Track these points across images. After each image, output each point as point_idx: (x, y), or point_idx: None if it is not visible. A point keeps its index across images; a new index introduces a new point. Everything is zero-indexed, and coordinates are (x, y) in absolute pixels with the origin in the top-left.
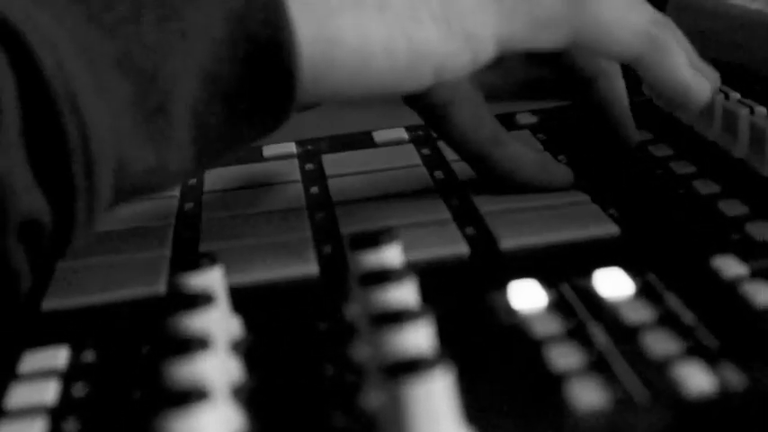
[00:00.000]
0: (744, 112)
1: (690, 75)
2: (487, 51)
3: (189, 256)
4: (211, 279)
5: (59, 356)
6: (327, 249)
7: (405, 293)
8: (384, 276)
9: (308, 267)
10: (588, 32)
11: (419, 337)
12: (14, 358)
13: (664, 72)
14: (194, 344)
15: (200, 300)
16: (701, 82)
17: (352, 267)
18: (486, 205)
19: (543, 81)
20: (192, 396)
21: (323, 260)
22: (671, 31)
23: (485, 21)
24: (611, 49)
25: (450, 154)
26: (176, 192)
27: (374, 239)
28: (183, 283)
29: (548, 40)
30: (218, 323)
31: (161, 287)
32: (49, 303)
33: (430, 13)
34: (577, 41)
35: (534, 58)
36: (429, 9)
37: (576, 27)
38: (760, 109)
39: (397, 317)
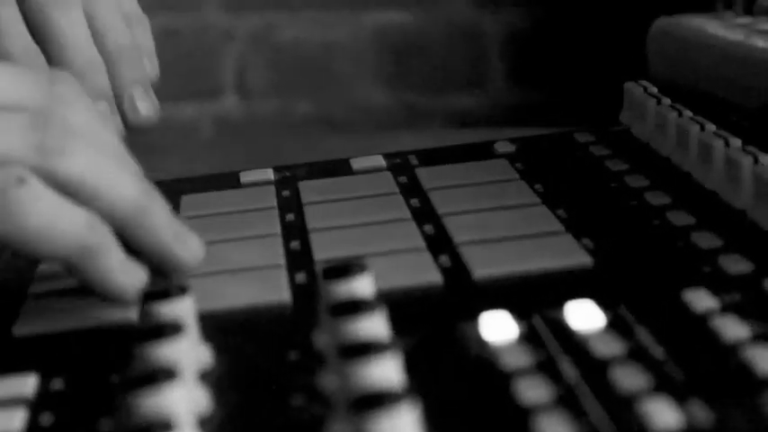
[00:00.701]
0: (718, 143)
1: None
2: None
3: (160, 286)
4: (181, 308)
5: (27, 384)
6: (301, 277)
7: (374, 325)
8: (354, 307)
9: (281, 295)
10: (15, 241)
11: (386, 371)
12: None
13: (95, 280)
14: (161, 374)
15: (169, 329)
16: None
17: (322, 297)
18: (461, 234)
19: (528, 107)
20: (156, 428)
21: (295, 288)
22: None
23: None
24: (43, 255)
25: (427, 182)
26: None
27: (345, 270)
28: (154, 312)
29: None
30: (187, 353)
31: (133, 314)
32: (21, 329)
33: None
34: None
35: (519, 82)
36: None
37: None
38: (735, 141)
39: (365, 349)
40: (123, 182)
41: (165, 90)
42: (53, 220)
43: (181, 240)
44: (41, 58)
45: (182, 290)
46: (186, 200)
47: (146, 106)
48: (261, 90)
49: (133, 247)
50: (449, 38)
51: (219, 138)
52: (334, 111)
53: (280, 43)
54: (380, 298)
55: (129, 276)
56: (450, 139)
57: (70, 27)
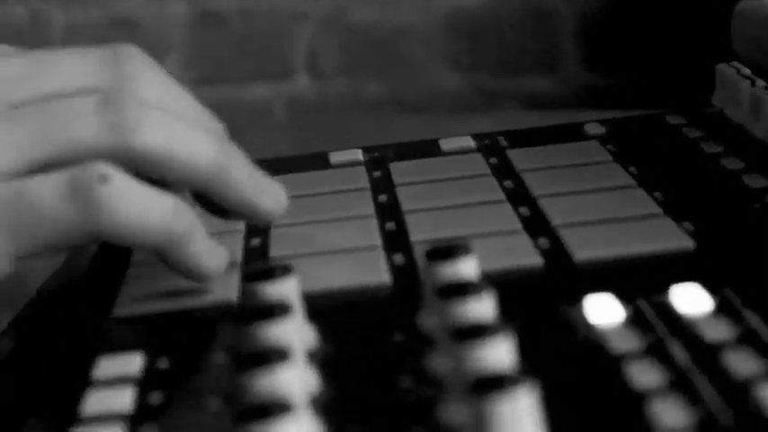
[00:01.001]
0: None
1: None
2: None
3: (263, 266)
4: (286, 289)
5: (134, 363)
6: (399, 258)
7: (484, 307)
8: (462, 289)
9: (380, 276)
10: (105, 236)
11: (502, 353)
12: (88, 364)
13: (182, 264)
14: (274, 355)
15: (278, 310)
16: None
17: (427, 279)
18: (558, 217)
19: (602, 89)
20: (274, 408)
21: (395, 269)
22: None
23: None
24: (133, 245)
25: (518, 163)
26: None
27: (450, 251)
28: (258, 292)
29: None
30: (296, 333)
31: (233, 294)
32: (121, 310)
33: None
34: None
35: (594, 65)
36: None
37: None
38: None
39: (479, 331)
40: (200, 145)
41: (237, 70)
42: (141, 213)
43: (264, 191)
44: None
45: (286, 269)
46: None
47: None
48: (332, 71)
49: (218, 204)
50: (521, 19)
51: (292, 119)
52: (405, 92)
53: (351, 24)
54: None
55: (215, 258)
56: (524, 122)
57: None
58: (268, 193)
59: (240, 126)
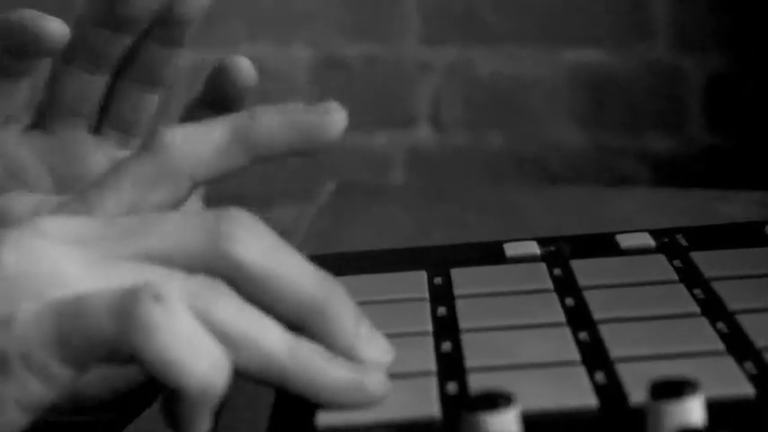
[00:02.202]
0: None
1: None
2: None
3: (483, 394)
4: (509, 421)
5: None
6: (600, 378)
7: None
8: None
9: (586, 399)
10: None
11: None
12: None
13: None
14: None
15: None
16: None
17: (652, 419)
18: (762, 338)
19: (725, 152)
20: None
21: (598, 390)
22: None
23: None
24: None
25: (706, 269)
26: (425, 293)
27: (678, 388)
28: (482, 423)
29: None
30: None
31: (434, 409)
32: (325, 418)
33: None
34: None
35: (718, 127)
36: None
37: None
38: None
39: None
40: (301, 272)
41: (359, 118)
42: (180, 348)
43: (368, 338)
44: None
45: (509, 400)
46: (456, 274)
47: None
48: (454, 122)
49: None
50: (646, 79)
51: (412, 169)
52: (525, 147)
53: (475, 77)
54: None
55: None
56: (657, 198)
57: None
58: (372, 342)
59: (363, 180)
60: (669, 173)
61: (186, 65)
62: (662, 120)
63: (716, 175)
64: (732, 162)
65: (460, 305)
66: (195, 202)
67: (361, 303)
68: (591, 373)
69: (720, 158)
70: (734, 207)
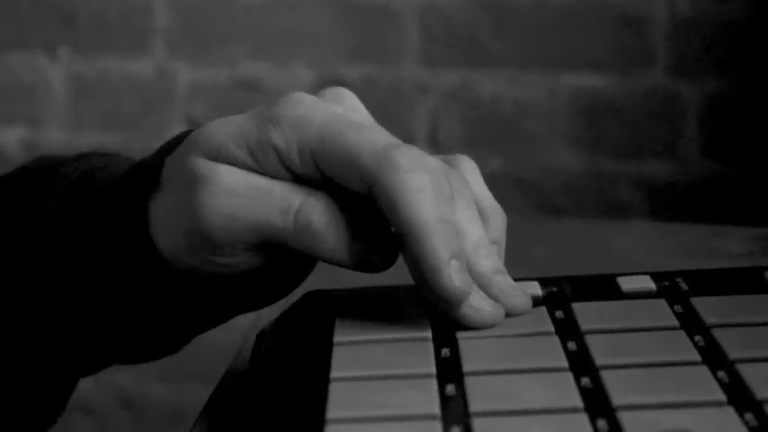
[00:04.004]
0: None
1: None
2: None
3: None
4: None
5: None
6: (602, 426)
7: None
8: None
9: None
10: None
11: None
12: None
13: None
14: None
15: None
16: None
17: None
18: (763, 389)
19: (722, 178)
20: None
21: None
22: None
23: None
24: None
25: (707, 316)
26: (428, 333)
27: None
28: None
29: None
30: None
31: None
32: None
33: None
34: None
35: (715, 152)
36: None
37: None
38: None
39: None
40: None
41: None
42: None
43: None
44: (453, 228)
45: None
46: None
47: (515, 293)
48: (452, 144)
49: None
50: (644, 104)
51: None
52: (523, 170)
53: (474, 99)
54: None
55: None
56: (655, 233)
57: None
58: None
59: None
60: (666, 198)
61: (186, 82)
62: (660, 145)
63: (713, 203)
64: (729, 188)
65: (463, 346)
66: None
67: (366, 342)
68: (593, 420)
69: (718, 185)
70: (732, 243)
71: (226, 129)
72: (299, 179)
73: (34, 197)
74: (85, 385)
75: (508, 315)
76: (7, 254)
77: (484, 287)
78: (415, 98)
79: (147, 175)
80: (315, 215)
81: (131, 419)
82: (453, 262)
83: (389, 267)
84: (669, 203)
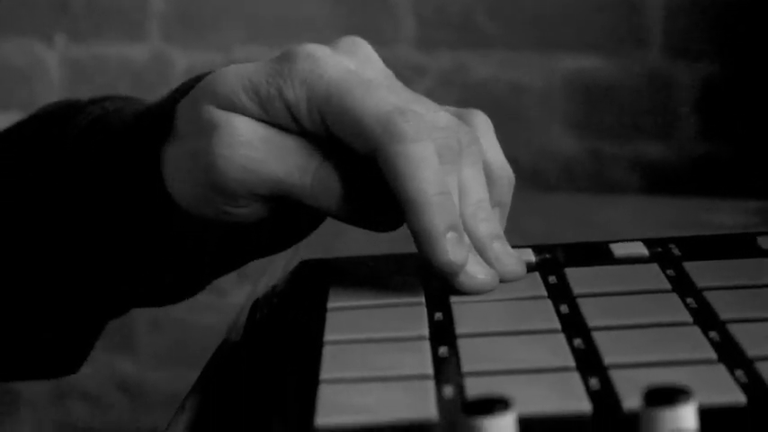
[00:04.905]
0: None
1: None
2: None
3: (481, 398)
4: (505, 426)
5: None
6: (594, 384)
7: None
8: None
9: (580, 404)
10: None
11: None
12: None
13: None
14: None
15: None
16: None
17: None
18: (754, 347)
19: (717, 159)
20: None
21: (592, 396)
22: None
23: None
24: None
25: (698, 279)
26: (421, 298)
27: (671, 396)
28: (478, 428)
29: None
30: None
31: (431, 412)
32: (324, 420)
33: None
34: None
35: (711, 134)
36: None
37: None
38: None
39: None
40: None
41: None
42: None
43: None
44: (452, 200)
45: (505, 405)
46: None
47: (510, 260)
48: None
49: None
50: (640, 86)
51: None
52: (519, 152)
53: (470, 82)
54: None
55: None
56: (649, 207)
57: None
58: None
59: None
60: (661, 180)
61: (181, 67)
62: (655, 127)
63: (708, 183)
64: (724, 170)
65: (456, 310)
66: None
67: (360, 308)
68: (585, 378)
69: (712, 166)
70: (724, 216)
71: (237, 77)
72: (308, 133)
73: (49, 142)
74: (83, 370)
75: (503, 281)
76: (25, 197)
77: (480, 251)
78: (410, 81)
79: (159, 121)
80: (332, 176)
81: (128, 404)
82: (449, 234)
83: (398, 228)
84: (664, 184)
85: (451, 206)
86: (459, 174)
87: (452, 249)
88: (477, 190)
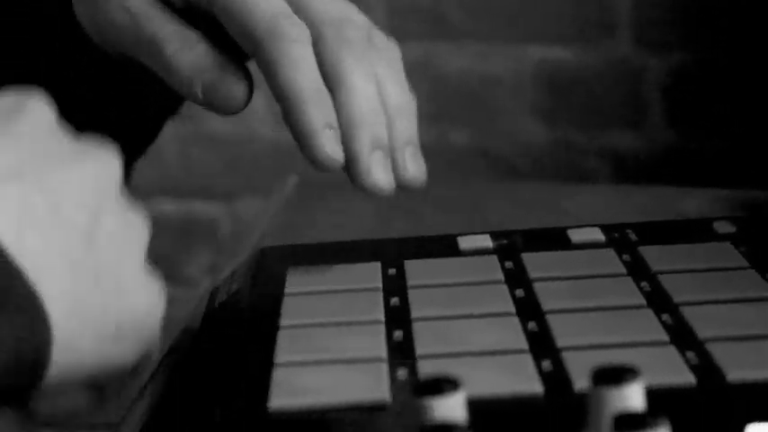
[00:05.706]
0: None
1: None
2: None
3: (431, 378)
4: (455, 404)
5: None
6: (547, 365)
7: None
8: (637, 422)
9: (532, 386)
10: None
11: None
12: None
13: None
14: None
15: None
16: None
17: (595, 405)
18: (706, 329)
19: (686, 150)
20: None
21: (544, 377)
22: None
23: None
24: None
25: (653, 263)
26: (378, 284)
27: (619, 375)
28: (429, 407)
29: None
30: None
31: (384, 394)
32: (277, 402)
33: None
34: None
35: (679, 124)
36: None
37: None
38: None
39: None
40: None
41: None
42: None
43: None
44: (329, 99)
45: (454, 385)
46: (410, 266)
47: (416, 167)
48: (419, 118)
49: None
50: (610, 75)
51: None
52: (489, 143)
53: (441, 73)
54: None
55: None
56: (618, 195)
57: (361, 77)
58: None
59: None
60: (630, 169)
61: None
62: (624, 117)
63: (676, 173)
64: (693, 158)
65: (413, 295)
66: None
67: (317, 293)
68: (537, 360)
69: (681, 156)
70: (691, 204)
71: None
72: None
73: None
74: None
75: (404, 188)
76: None
77: (391, 151)
78: None
79: None
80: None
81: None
82: (327, 131)
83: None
84: (634, 173)
85: (329, 104)
86: (374, 70)
87: (329, 144)
88: (396, 92)
